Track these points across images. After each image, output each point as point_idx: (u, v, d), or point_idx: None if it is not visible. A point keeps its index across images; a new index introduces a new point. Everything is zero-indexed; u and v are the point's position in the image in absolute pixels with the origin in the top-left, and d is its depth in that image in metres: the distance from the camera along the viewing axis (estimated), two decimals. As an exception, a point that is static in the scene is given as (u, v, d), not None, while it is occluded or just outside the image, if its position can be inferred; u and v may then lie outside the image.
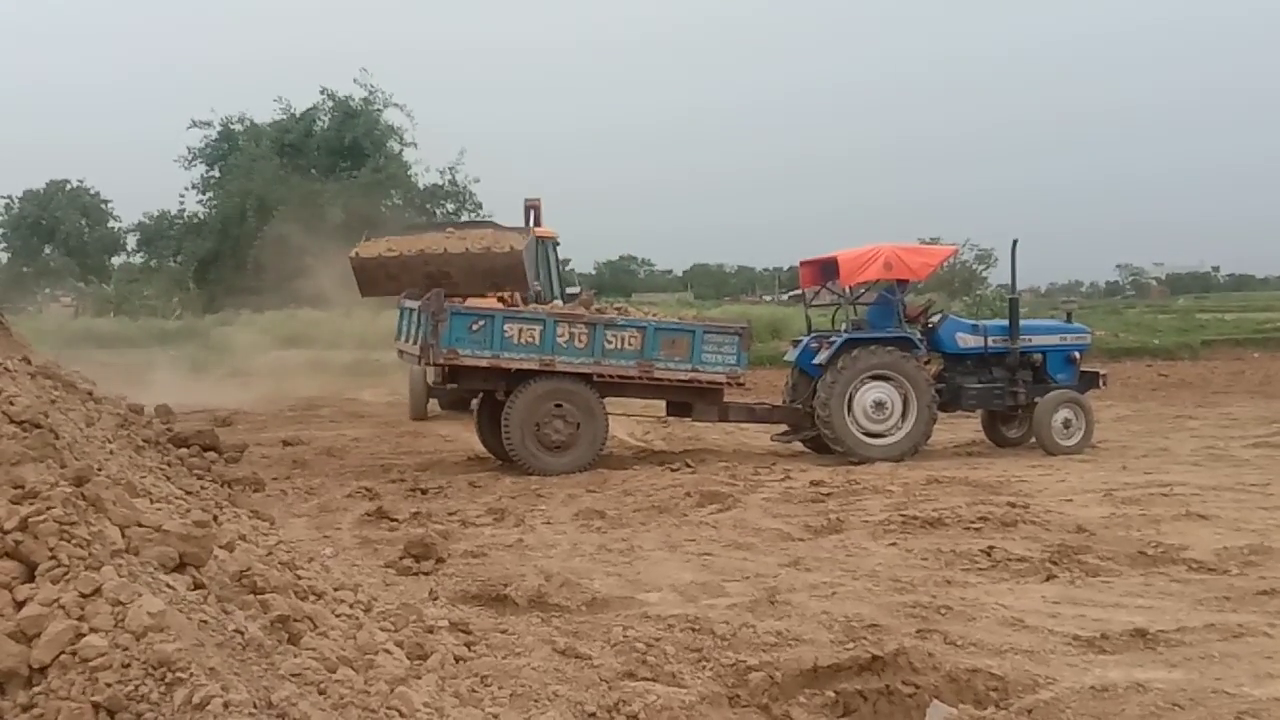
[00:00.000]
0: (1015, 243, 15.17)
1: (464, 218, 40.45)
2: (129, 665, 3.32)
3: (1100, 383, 15.28)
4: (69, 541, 3.76)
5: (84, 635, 3.40)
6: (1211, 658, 5.67)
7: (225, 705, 3.22)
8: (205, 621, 3.82)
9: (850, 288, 14.87)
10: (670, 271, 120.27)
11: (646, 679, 5.25)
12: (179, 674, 3.30)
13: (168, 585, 3.98)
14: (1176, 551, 8.05)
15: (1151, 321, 42.43)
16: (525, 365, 12.97)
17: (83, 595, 3.53)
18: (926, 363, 14.42)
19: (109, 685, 3.26)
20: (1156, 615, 6.44)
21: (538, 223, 18.03)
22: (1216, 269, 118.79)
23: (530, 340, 12.95)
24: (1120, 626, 6.16)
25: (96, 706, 3.22)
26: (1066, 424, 14.25)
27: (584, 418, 13.06)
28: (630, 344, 13.20)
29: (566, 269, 25.14)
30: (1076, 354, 15.09)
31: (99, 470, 5.29)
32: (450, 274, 13.96)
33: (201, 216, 47.77)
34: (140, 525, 4.32)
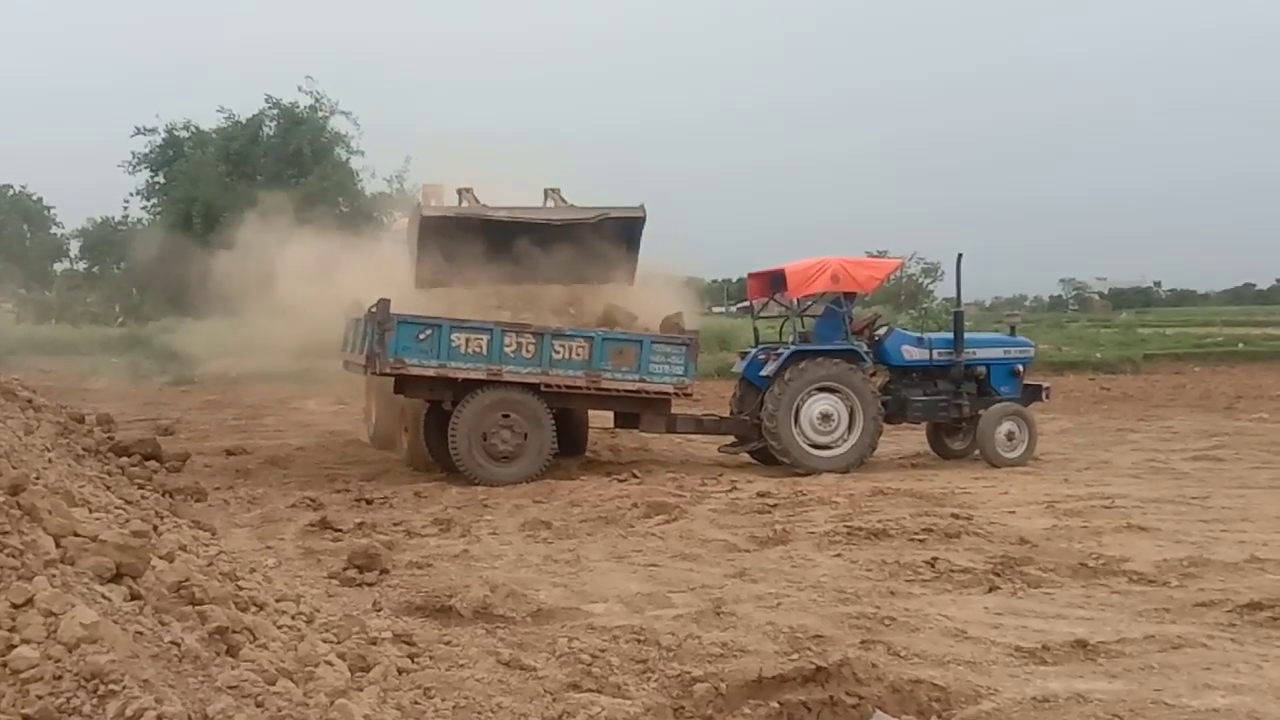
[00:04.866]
0: (960, 257, 15.34)
1: None
2: (61, 677, 3.26)
3: (1043, 395, 15.43)
4: (1, 551, 3.69)
5: (15, 646, 3.34)
6: (1151, 669, 5.73)
7: (159, 717, 3.17)
8: (141, 633, 3.76)
9: (798, 300, 14.93)
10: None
11: (591, 690, 5.24)
12: (112, 686, 3.24)
13: (103, 596, 3.91)
14: (1117, 563, 8.14)
15: (1094, 335, 43.01)
16: (472, 375, 12.87)
17: (14, 606, 3.47)
18: (872, 375, 14.50)
19: (40, 697, 3.20)
20: (1097, 626, 6.50)
21: None
22: (1158, 284, 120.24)
23: (477, 350, 12.84)
24: (1061, 637, 6.21)
25: (27, 719, 3.16)
26: (1010, 436, 14.38)
27: (531, 428, 13.00)
28: (578, 354, 13.16)
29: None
30: (1020, 367, 15.25)
31: (36, 479, 5.21)
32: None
33: (146, 223, 47.20)
34: (76, 535, 4.25)
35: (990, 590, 7.55)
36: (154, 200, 46.63)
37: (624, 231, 14.44)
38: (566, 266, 14.16)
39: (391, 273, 14.55)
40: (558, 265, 14.10)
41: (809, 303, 15.16)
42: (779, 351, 14.27)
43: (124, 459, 11.00)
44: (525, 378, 13.01)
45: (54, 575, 3.74)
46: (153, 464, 11.39)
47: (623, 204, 14.54)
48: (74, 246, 66.93)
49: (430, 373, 12.81)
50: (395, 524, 10.29)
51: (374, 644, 5.37)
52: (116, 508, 6.62)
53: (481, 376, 12.88)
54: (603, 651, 5.80)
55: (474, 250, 13.78)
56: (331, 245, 17.18)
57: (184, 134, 45.86)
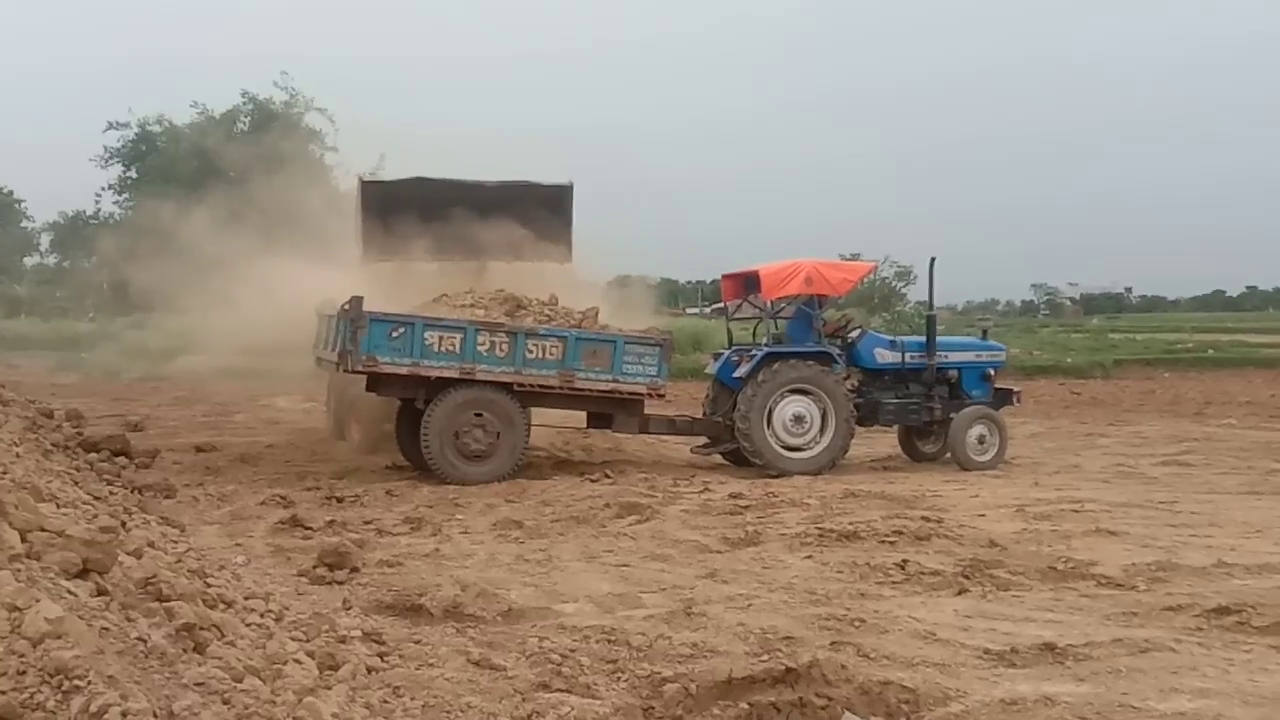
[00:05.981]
0: (933, 260, 15.36)
1: None
2: (25, 672, 3.23)
3: (1014, 400, 15.48)
4: (-35, 546, 3.66)
5: (-21, 642, 3.30)
6: (1118, 672, 5.76)
7: (124, 714, 3.14)
8: (106, 629, 3.73)
9: (771, 302, 14.95)
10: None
11: (561, 690, 5.22)
12: (76, 682, 3.22)
13: (69, 591, 3.88)
14: (1086, 567, 8.18)
15: (1065, 340, 43.25)
16: (445, 373, 12.81)
17: (-22, 601, 3.43)
18: (845, 377, 14.53)
19: (3, 693, 3.16)
20: (1065, 630, 6.52)
21: None
22: (1129, 290, 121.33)
23: (450, 348, 12.78)
24: (1030, 640, 6.24)
25: (-10, 714, 3.13)
26: (981, 440, 14.43)
27: (504, 427, 12.95)
28: (551, 354, 13.13)
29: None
30: (992, 371, 15.29)
31: (3, 474, 5.17)
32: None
33: (118, 218, 46.96)
34: (43, 530, 4.22)
35: (960, 593, 7.58)
36: (126, 195, 46.39)
37: (555, 203, 15.93)
38: (506, 240, 15.31)
39: (354, 268, 14.76)
40: (497, 239, 15.25)
41: (782, 305, 15.18)
42: (752, 353, 14.28)
43: (93, 455, 10.93)
44: (498, 377, 12.96)
45: (19, 570, 3.71)
46: (122, 460, 11.32)
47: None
48: (44, 241, 66.47)
49: (403, 371, 12.74)
50: (366, 522, 10.24)
51: (343, 642, 5.34)
52: (84, 503, 6.58)
53: (454, 375, 12.83)
54: (573, 651, 5.79)
55: (415, 221, 14.98)
56: (300, 241, 17.23)
57: (156, 129, 45.63)
